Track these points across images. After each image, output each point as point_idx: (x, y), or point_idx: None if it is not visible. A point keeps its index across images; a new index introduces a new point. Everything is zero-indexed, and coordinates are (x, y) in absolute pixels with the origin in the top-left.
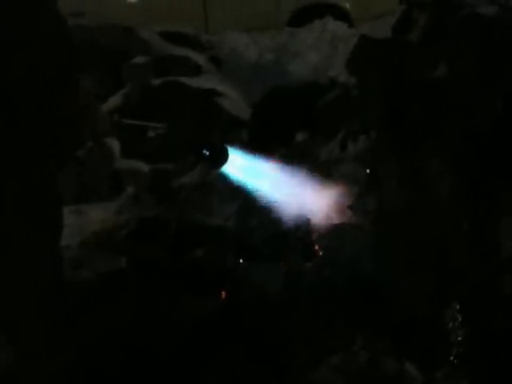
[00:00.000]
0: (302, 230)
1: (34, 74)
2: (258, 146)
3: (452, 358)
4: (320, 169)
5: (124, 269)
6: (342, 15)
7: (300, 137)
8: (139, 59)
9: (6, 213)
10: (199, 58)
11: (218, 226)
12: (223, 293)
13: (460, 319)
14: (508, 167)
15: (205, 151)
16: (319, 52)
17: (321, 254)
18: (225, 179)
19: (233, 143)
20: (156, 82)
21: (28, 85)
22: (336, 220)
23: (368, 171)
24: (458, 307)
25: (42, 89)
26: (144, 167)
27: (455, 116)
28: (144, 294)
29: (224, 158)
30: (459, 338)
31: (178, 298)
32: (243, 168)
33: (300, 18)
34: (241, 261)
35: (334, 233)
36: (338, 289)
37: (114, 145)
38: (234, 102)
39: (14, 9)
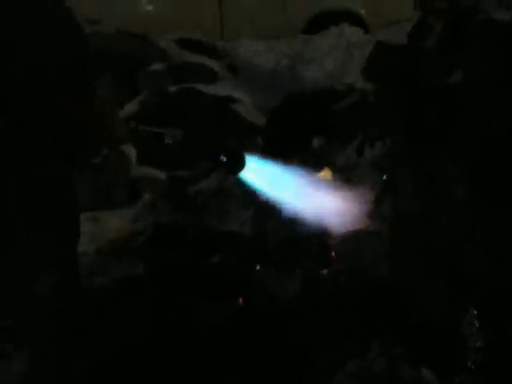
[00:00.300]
0: (319, 236)
1: (51, 80)
2: (273, 153)
3: (470, 364)
4: (337, 175)
5: (141, 275)
6: (357, 21)
7: (316, 142)
8: (156, 66)
9: (23, 219)
10: (215, 65)
11: (234, 232)
12: (239, 299)
13: (478, 325)
14: None
15: (222, 157)
16: (335, 58)
17: (337, 260)
18: (242, 185)
19: (250, 149)
20: (172, 89)
21: (45, 91)
22: (353, 226)
23: (384, 177)
24: (475, 313)
25: (58, 95)
26: (161, 174)
27: (471, 121)
28: (160, 300)
29: (241, 164)
30: (477, 344)
31: (194, 304)
32: (260, 174)
33: (316, 25)
34: (257, 267)
35: (351, 239)
36: (355, 295)
37: (131, 152)
38: (250, 108)
39: (31, 16)
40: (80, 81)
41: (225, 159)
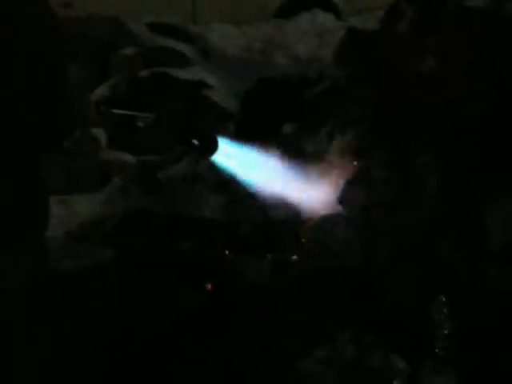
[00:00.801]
0: (290, 221)
1: (24, 64)
2: (245, 138)
3: (438, 351)
4: (308, 161)
5: (110, 260)
6: (329, 7)
7: (287, 129)
8: (127, 50)
9: None
10: (187, 50)
11: (205, 217)
12: (210, 285)
13: (447, 312)
14: (495, 157)
15: (194, 141)
16: (307, 44)
17: (308, 245)
18: (214, 169)
19: (222, 134)
20: (143, 73)
21: (19, 75)
22: (324, 212)
23: (355, 163)
24: (444, 300)
25: (32, 79)
26: (131, 158)
27: (443, 108)
28: (130, 285)
29: (213, 147)
30: (446, 332)
31: (165, 290)
32: (232, 157)
33: (288, 10)
34: (227, 252)
35: (322, 224)
36: (325, 281)
37: (101, 136)
38: (222, 93)
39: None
40: (54, 64)
41: (197, 142)
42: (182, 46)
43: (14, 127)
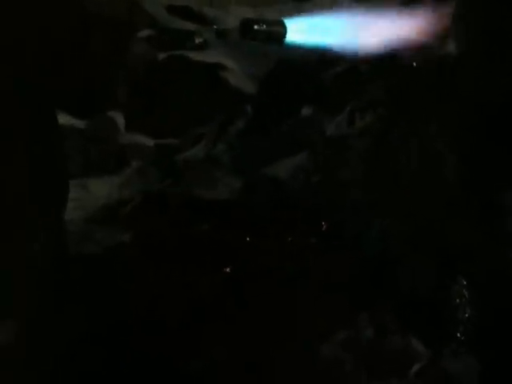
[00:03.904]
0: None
1: (51, 41)
2: (263, 121)
3: (459, 334)
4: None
5: (129, 243)
6: None
7: (306, 111)
8: (144, 32)
9: (9, 183)
10: (204, 32)
11: (223, 200)
12: (228, 269)
13: (467, 295)
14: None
15: (260, 27)
16: None
17: (328, 227)
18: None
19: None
20: (161, 55)
21: (46, 50)
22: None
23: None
24: (464, 283)
25: (53, 54)
26: (148, 141)
27: (464, 90)
28: (148, 268)
29: (283, 32)
30: (466, 315)
31: (182, 274)
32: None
33: None
34: (247, 238)
35: (343, 209)
36: (344, 264)
37: (119, 119)
38: (240, 76)
39: None
40: (76, 38)
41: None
42: (199, 29)
43: (32, 102)
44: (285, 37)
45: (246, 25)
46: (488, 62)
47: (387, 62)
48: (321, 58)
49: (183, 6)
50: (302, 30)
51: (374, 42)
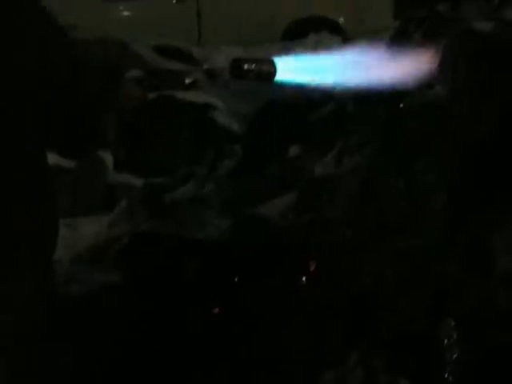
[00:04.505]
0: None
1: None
2: (252, 160)
3: (447, 375)
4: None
5: (118, 283)
6: (336, 29)
7: (294, 151)
8: (133, 73)
9: (2, 222)
10: (193, 72)
11: (211, 240)
12: (217, 308)
13: (455, 336)
14: (503, 180)
15: (250, 66)
16: None
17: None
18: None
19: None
20: (150, 95)
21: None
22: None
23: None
24: (453, 324)
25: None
26: (137, 181)
27: (451, 131)
28: (137, 308)
29: (273, 72)
30: (454, 356)
31: (173, 313)
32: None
33: (295, 32)
34: (236, 278)
35: (330, 248)
36: (333, 304)
37: (108, 158)
38: (228, 115)
39: (16, 17)
40: (69, 79)
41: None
42: (187, 69)
43: (31, 140)
44: (275, 76)
45: (236, 64)
46: (473, 103)
47: (375, 102)
48: (309, 98)
49: (171, 46)
50: (292, 70)
51: (363, 82)
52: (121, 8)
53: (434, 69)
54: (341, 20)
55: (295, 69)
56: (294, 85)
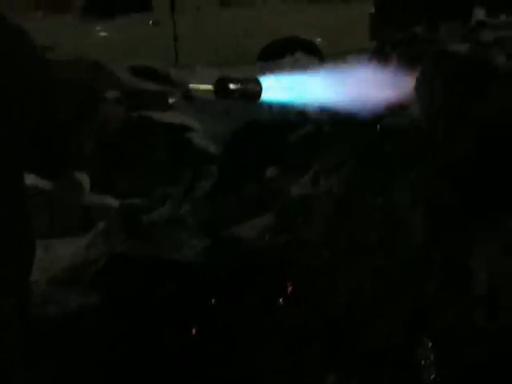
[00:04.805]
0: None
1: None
2: (228, 181)
3: None
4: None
5: (94, 305)
6: (313, 50)
7: (271, 172)
8: (110, 94)
9: None
10: (170, 93)
11: (188, 261)
12: (194, 329)
13: (432, 357)
14: (480, 199)
15: (235, 85)
16: None
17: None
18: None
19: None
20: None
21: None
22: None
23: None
24: (430, 345)
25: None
26: (114, 202)
27: (427, 152)
28: (114, 330)
29: (258, 91)
30: (431, 376)
31: (149, 334)
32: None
33: (271, 53)
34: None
35: (306, 269)
36: (310, 326)
37: (85, 179)
38: (205, 137)
39: None
40: (45, 99)
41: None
42: (164, 89)
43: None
44: (261, 95)
45: (222, 84)
46: (449, 124)
47: (351, 123)
48: (286, 120)
49: (148, 68)
50: (276, 89)
51: (344, 100)
52: (98, 29)
53: (410, 90)
54: (318, 41)
55: (280, 88)
56: (278, 104)
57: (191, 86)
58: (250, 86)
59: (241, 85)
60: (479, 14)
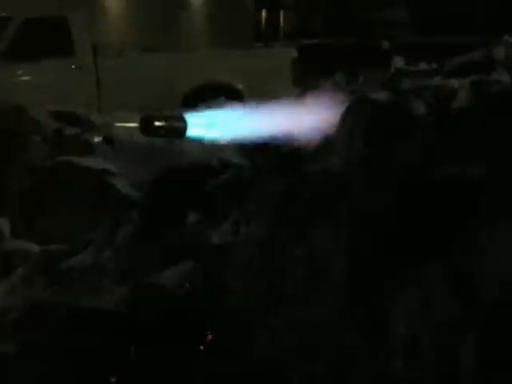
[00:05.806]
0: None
1: None
2: (149, 227)
3: None
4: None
5: (12, 354)
6: (236, 96)
7: (192, 219)
8: (32, 139)
9: None
10: (91, 138)
11: (108, 309)
12: (114, 377)
13: None
14: (401, 247)
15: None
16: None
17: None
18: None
19: (125, 223)
20: (48, 162)
21: None
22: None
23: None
24: None
25: None
26: (34, 248)
27: (348, 199)
28: (32, 379)
29: (183, 127)
30: None
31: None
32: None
33: (194, 98)
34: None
35: (227, 317)
36: (231, 373)
37: (4, 225)
38: (126, 182)
39: None
40: None
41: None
42: (85, 135)
43: None
44: (186, 131)
45: (147, 121)
46: (370, 171)
47: (272, 170)
48: (206, 166)
49: (69, 112)
50: (201, 125)
51: (262, 138)
52: (20, 72)
53: (331, 136)
54: (240, 86)
55: (205, 125)
56: (203, 140)
57: (117, 124)
58: (174, 122)
59: (166, 122)
60: (399, 62)
